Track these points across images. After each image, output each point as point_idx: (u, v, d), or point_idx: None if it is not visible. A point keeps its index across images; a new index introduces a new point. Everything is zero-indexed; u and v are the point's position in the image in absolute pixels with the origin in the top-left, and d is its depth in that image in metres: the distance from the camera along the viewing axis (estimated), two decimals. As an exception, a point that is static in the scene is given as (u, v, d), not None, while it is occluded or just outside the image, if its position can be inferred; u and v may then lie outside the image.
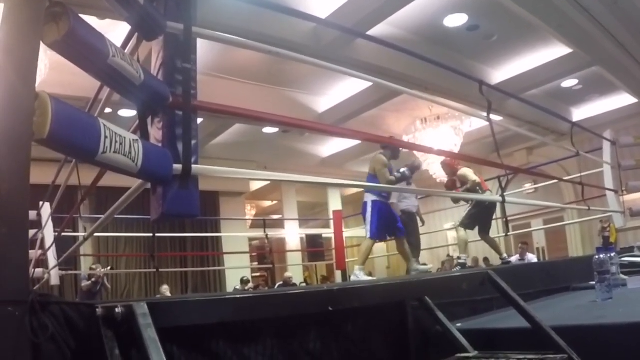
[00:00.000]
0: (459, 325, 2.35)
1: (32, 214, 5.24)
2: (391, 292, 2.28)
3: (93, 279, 8.49)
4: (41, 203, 5.46)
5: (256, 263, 14.39)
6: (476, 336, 2.25)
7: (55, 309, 1.27)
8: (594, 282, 3.00)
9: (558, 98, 11.90)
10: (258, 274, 15.38)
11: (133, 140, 1.48)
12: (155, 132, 1.79)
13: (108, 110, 7.70)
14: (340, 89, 10.70)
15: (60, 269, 5.73)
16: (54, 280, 5.47)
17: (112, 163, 1.42)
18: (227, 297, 1.68)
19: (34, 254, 4.97)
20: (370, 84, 9.62)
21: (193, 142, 1.78)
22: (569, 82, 11.14)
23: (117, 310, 1.29)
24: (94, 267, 9.01)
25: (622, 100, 12.06)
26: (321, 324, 2.01)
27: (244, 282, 11.85)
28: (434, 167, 12.03)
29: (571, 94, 11.85)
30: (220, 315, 1.58)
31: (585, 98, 12.27)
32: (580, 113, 12.73)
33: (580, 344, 1.95)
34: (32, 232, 5.22)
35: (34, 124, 1.22)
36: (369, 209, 6.21)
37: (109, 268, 10.00)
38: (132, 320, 1.27)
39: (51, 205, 5.37)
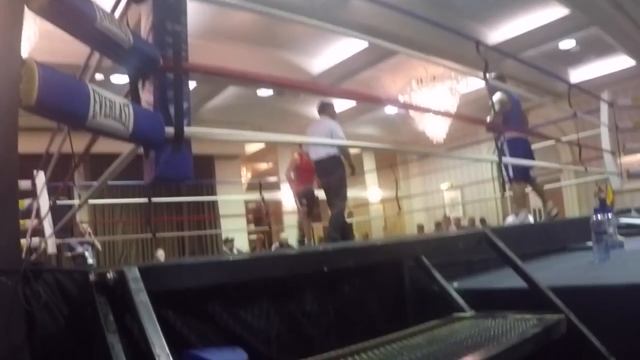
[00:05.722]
0: (455, 284, 2.35)
1: (27, 183, 5.22)
2: (387, 251, 2.27)
3: (73, 253, 8.31)
4: (35, 172, 5.42)
5: (253, 225, 14.42)
6: (473, 296, 2.26)
7: (48, 277, 1.27)
8: (590, 243, 3.01)
9: (556, 59, 11.79)
10: (255, 236, 15.42)
11: (123, 104, 1.46)
12: (147, 96, 1.77)
13: (100, 77, 7.59)
14: (335, 50, 10.55)
15: (57, 237, 5.72)
16: (51, 248, 5.47)
17: (103, 128, 1.40)
18: (220, 259, 1.67)
19: (29, 223, 4.96)
20: (366, 45, 9.51)
21: (185, 104, 1.76)
22: (567, 44, 11.02)
23: (109, 275, 1.28)
24: (84, 225, 8.88)
25: (620, 62, 11.94)
26: (317, 284, 2.01)
27: (228, 242, 11.88)
28: (429, 127, 12.09)
29: (569, 55, 11.74)
30: (214, 278, 1.57)
31: (583, 59, 12.15)
32: (578, 75, 12.62)
33: (577, 304, 1.96)
34: (27, 202, 5.21)
35: (20, 90, 1.20)
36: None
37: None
38: (124, 285, 1.26)
39: (45, 173, 5.34)
